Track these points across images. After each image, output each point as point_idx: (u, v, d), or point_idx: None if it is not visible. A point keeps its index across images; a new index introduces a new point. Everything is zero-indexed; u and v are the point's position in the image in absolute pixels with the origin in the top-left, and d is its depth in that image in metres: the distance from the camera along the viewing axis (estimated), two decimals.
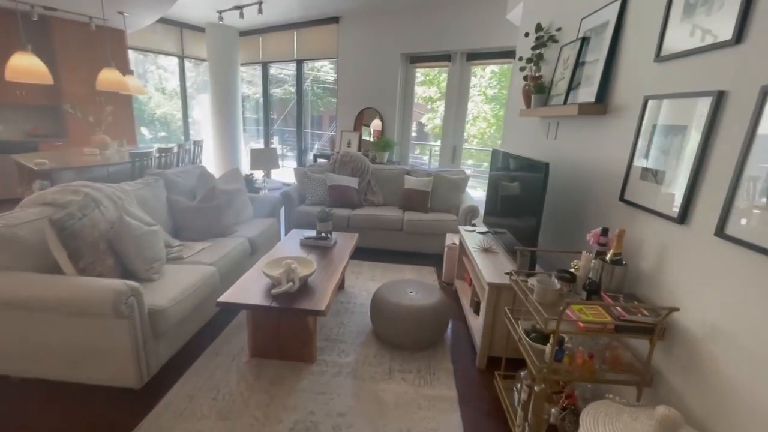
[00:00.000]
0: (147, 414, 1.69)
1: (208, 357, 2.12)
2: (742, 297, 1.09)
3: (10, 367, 1.79)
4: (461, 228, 3.00)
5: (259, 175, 5.31)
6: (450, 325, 2.58)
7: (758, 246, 1.03)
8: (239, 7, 5.29)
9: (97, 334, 1.69)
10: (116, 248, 2.01)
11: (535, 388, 1.63)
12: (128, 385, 1.76)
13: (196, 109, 7.98)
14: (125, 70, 4.75)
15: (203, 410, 1.74)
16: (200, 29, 6.74)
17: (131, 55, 6.04)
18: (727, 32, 1.18)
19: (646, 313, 1.35)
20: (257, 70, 7.47)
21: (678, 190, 1.34)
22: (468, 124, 5.28)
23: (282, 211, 3.86)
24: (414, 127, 5.89)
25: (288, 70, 7.58)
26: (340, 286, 3.05)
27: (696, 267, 1.25)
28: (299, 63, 6.60)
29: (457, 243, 3.16)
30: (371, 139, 5.71)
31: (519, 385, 1.87)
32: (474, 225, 3.68)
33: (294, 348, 2.10)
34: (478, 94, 8.45)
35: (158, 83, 8.08)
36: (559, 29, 2.46)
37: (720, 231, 1.16)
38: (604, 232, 1.62)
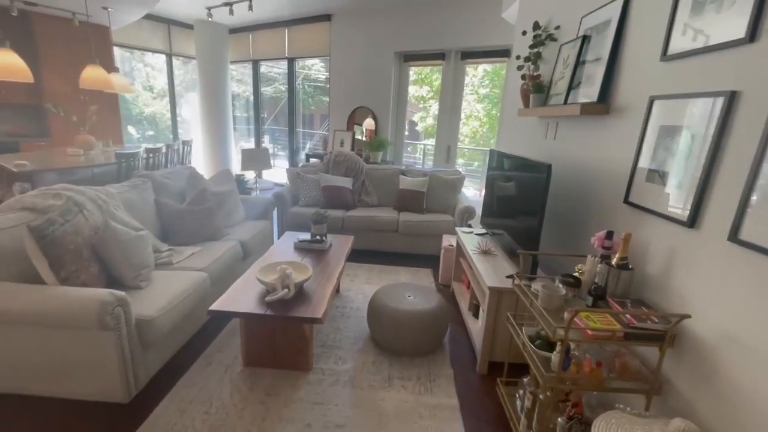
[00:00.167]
0: (135, 430, 1.60)
1: (200, 367, 2.03)
2: (757, 303, 1.05)
3: None
4: (458, 229, 2.95)
5: (250, 175, 5.21)
6: (449, 329, 2.53)
7: None
8: (229, 4, 5.17)
9: (81, 347, 1.60)
10: (101, 255, 1.91)
11: (540, 397, 1.59)
12: (115, 400, 1.68)
13: (185, 108, 7.82)
14: (110, 67, 4.61)
15: (195, 425, 1.66)
16: (188, 26, 6.59)
17: (117, 52, 5.86)
18: (739, 30, 1.15)
19: (656, 320, 1.31)
20: (246, 68, 7.33)
21: (687, 193, 1.31)
22: (460, 123, 5.24)
23: (275, 212, 3.78)
24: (405, 126, 5.83)
25: (278, 69, 7.46)
26: (336, 290, 2.98)
27: (708, 272, 1.22)
28: (290, 61, 6.49)
29: (454, 244, 3.12)
30: (363, 139, 5.64)
31: (521, 392, 1.82)
32: (470, 226, 3.64)
33: (289, 356, 2.03)
34: (471, 93, 8.43)
35: (146, 81, 7.90)
36: (557, 27, 2.42)
37: (734, 236, 1.12)
38: (609, 235, 1.58)
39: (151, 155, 4.03)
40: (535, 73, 2.53)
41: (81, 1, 4.18)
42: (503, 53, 4.43)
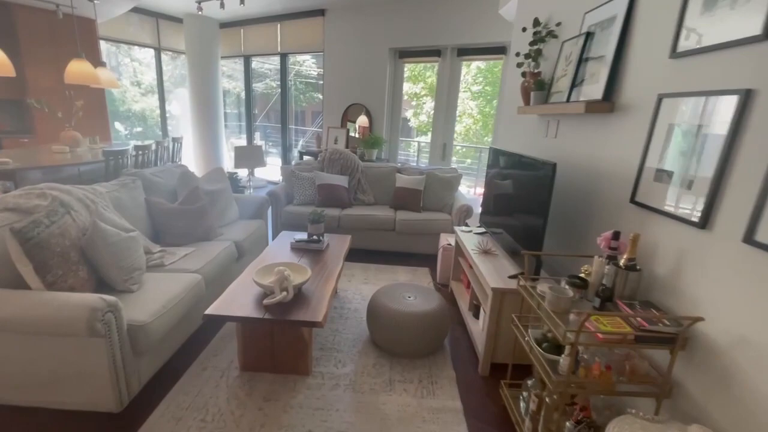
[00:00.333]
0: None
1: (195, 372, 1.97)
2: None
3: None
4: (457, 228, 2.91)
5: (243, 173, 5.11)
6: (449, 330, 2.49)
7: None
8: None
9: (70, 355, 1.53)
10: (90, 258, 1.83)
11: (547, 400, 1.57)
12: (107, 410, 1.60)
13: (174, 104, 7.65)
14: (97, 62, 4.45)
15: None
16: (178, 20, 6.42)
17: (103, 46, 5.69)
18: (755, 27, 1.12)
19: (667, 323, 1.29)
20: (236, 64, 7.19)
21: (699, 193, 1.28)
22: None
23: (269, 211, 3.70)
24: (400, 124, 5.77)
25: (269, 64, 7.34)
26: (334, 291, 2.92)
27: (721, 274, 1.19)
28: (283, 57, 6.38)
29: (453, 243, 3.08)
30: (357, 136, 5.57)
31: (525, 394, 1.80)
32: (467, 224, 3.61)
33: (288, 360, 1.97)
34: (464, 91, 8.40)
35: (133, 77, 7.70)
36: (558, 24, 2.39)
37: (749, 237, 1.10)
38: (616, 235, 1.55)
39: (140, 152, 3.91)
40: (535, 70, 2.49)
41: None
42: (499, 50, 4.39)
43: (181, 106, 7.41)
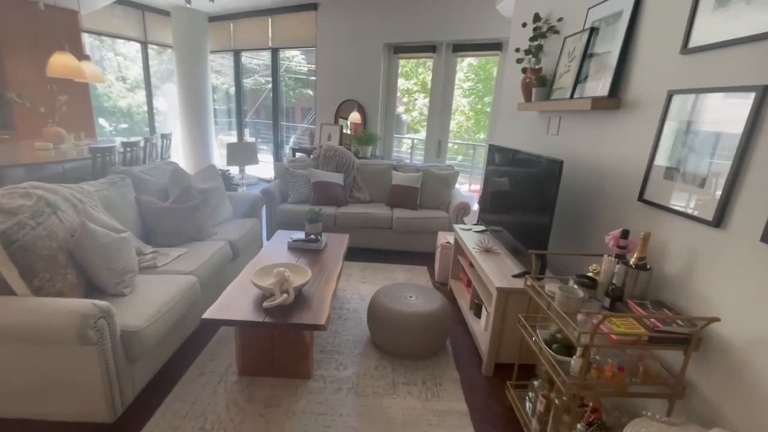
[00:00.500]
0: None
1: (192, 378, 1.90)
2: None
3: None
4: (457, 227, 2.88)
5: (235, 171, 5.00)
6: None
7: None
8: None
9: (60, 364, 1.45)
10: (79, 260, 1.74)
11: (556, 401, 1.54)
12: (100, 420, 1.53)
13: (160, 100, 7.44)
14: (81, 55, 4.28)
15: None
16: (165, 13, 6.24)
17: (85, 40, 5.49)
18: None
19: (681, 323, 1.27)
20: (224, 59, 7.03)
21: (712, 191, 1.26)
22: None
23: (263, 210, 3.62)
24: (395, 121, 5.71)
25: (258, 60, 7.20)
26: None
27: (736, 273, 1.18)
28: (274, 52, 6.25)
29: (452, 242, 3.05)
30: (349, 133, 5.50)
31: (531, 395, 1.78)
32: (464, 222, 3.59)
33: (288, 363, 1.91)
34: (456, 88, 8.37)
35: (117, 71, 7.47)
36: (560, 20, 2.36)
37: (767, 237, 1.08)
38: (624, 234, 1.53)
39: (128, 149, 3.78)
40: (536, 66, 2.46)
41: None
42: (495, 46, 4.36)
43: (168, 101, 7.22)
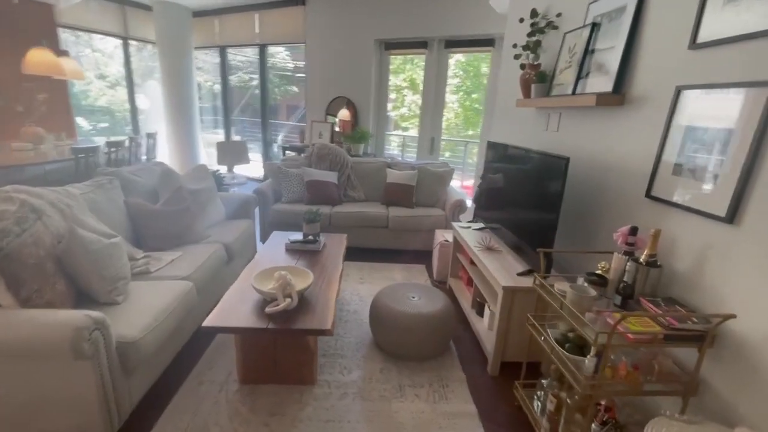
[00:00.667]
0: None
1: (191, 387, 1.82)
2: None
3: None
4: (455, 225, 2.86)
5: (223, 170, 4.87)
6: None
7: None
8: None
9: (53, 380, 1.36)
10: (68, 268, 1.64)
11: (568, 401, 1.53)
12: None
13: (142, 98, 7.20)
14: (58, 51, 4.09)
15: None
16: (146, 7, 6.02)
17: (60, 35, 5.24)
18: None
19: (695, 320, 1.26)
20: (208, 55, 6.84)
21: (725, 187, 1.26)
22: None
23: (256, 210, 3.53)
24: (387, 117, 5.66)
25: (243, 56, 7.03)
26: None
27: (752, 270, 1.17)
28: (262, 48, 6.11)
29: (450, 240, 3.03)
30: (338, 130, 5.41)
31: (540, 394, 1.77)
32: (460, 219, 3.57)
33: (292, 369, 1.86)
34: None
35: (95, 68, 7.19)
36: (558, 15, 2.34)
37: None
38: (633, 231, 1.52)
39: (113, 149, 3.63)
40: (535, 62, 2.45)
41: None
42: (488, 42, 4.34)
43: (150, 99, 6.99)
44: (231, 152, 4.20)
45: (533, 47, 2.47)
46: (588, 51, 1.99)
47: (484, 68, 6.48)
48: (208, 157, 7.02)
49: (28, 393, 1.37)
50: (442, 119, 5.01)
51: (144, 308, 1.69)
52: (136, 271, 2.04)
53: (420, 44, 4.77)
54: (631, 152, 1.71)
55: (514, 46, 2.66)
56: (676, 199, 1.45)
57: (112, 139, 3.79)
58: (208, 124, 7.67)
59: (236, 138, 7.26)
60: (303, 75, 5.86)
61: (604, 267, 1.59)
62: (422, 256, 3.59)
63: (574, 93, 2.04)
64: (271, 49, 6.35)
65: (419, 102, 5.24)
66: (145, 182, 2.64)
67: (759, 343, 1.15)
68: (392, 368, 2.04)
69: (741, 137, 1.21)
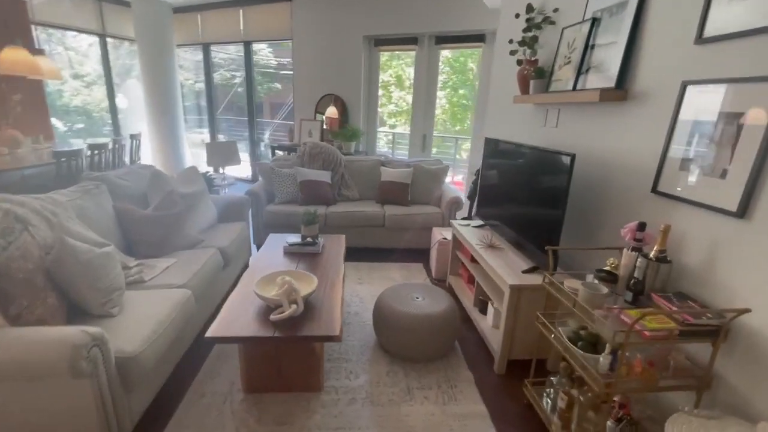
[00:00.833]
0: None
1: (193, 400, 1.76)
2: None
3: None
4: (454, 222, 2.84)
5: (221, 172, 4.74)
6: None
7: None
8: None
9: (50, 400, 1.28)
10: (58, 281, 1.56)
11: (581, 398, 1.53)
12: None
13: (120, 97, 6.94)
14: (34, 49, 3.90)
15: None
16: (125, 3, 5.80)
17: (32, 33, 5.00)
18: None
19: (710, 315, 1.27)
20: (187, 53, 6.64)
21: (735, 182, 1.26)
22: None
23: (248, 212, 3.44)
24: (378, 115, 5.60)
25: (225, 54, 6.87)
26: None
27: (765, 264, 1.18)
28: (247, 45, 5.97)
29: (448, 237, 3.01)
30: (326, 128, 5.33)
31: (549, 391, 1.76)
32: (455, 217, 3.56)
33: (298, 377, 1.81)
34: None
35: (69, 66, 6.89)
36: (555, 10, 2.33)
37: None
38: (641, 227, 1.52)
39: (96, 152, 3.48)
40: (532, 58, 2.44)
41: None
42: (478, 38, 4.33)
43: (128, 99, 6.75)
44: (221, 153, 4.08)
45: (530, 43, 2.46)
46: (588, 46, 1.98)
47: (470, 64, 6.47)
48: (193, 157, 6.83)
49: (22, 415, 1.29)
50: (434, 116, 4.98)
51: (141, 320, 1.62)
52: (130, 281, 1.95)
53: (410, 40, 4.73)
54: (635, 148, 1.71)
55: (510, 41, 2.64)
56: (684, 194, 1.46)
57: (95, 141, 3.63)
58: (191, 123, 7.47)
59: (221, 137, 7.09)
60: (287, 72, 5.75)
61: (612, 263, 1.59)
62: (419, 255, 3.57)
63: (574, 89, 2.03)
64: (254, 47, 6.21)
65: (407, 98, 5.20)
66: (133, 186, 2.53)
67: None
68: (399, 371, 2.01)
69: (751, 132, 1.22)
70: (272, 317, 1.64)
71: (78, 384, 1.27)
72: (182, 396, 1.77)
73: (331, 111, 5.32)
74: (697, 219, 1.42)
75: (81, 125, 7.22)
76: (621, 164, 1.80)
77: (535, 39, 2.45)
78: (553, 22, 2.35)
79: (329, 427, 1.64)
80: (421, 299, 2.19)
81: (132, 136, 4.40)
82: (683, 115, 1.47)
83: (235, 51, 6.54)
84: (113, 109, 6.26)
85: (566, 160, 1.79)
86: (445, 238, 3.04)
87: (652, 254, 1.44)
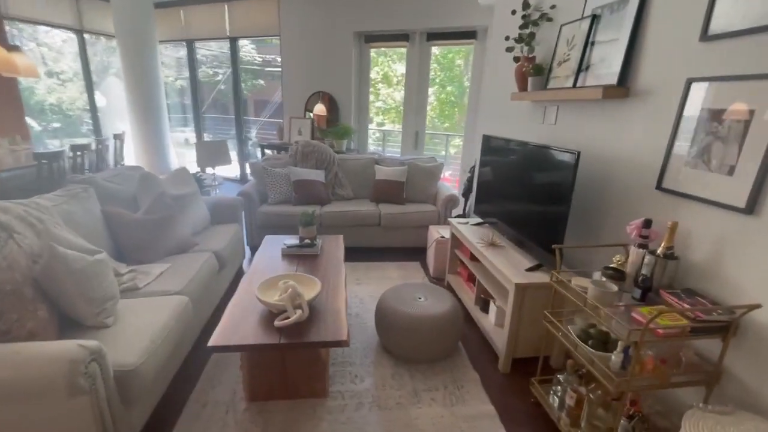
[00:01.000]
0: None
1: (194, 411, 1.69)
2: None
3: None
4: (453, 221, 2.83)
5: (208, 172, 4.61)
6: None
7: None
8: None
9: (44, 421, 1.21)
10: (48, 291, 1.47)
11: (590, 395, 1.53)
12: None
13: (98, 95, 6.68)
14: (8, 45, 3.70)
15: None
16: None
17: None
18: None
19: (720, 312, 1.28)
20: (168, 49, 6.44)
21: (743, 178, 1.27)
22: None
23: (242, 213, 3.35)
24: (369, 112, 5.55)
25: (207, 50, 6.69)
26: None
27: None
28: (233, 41, 5.82)
29: (446, 236, 3.00)
30: (315, 125, 5.25)
31: (557, 389, 1.77)
32: (452, 215, 3.55)
33: (302, 383, 1.76)
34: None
35: (41, 63, 6.59)
36: (553, 7, 2.33)
37: None
38: (647, 223, 1.53)
39: (78, 153, 3.33)
40: (530, 55, 2.43)
41: None
42: (470, 35, 4.32)
43: (108, 97, 6.51)
44: (211, 153, 3.97)
45: (527, 40, 2.45)
46: (588, 43, 1.98)
47: (458, 60, 6.46)
48: (178, 157, 6.65)
49: None
50: (426, 113, 4.96)
51: (139, 329, 1.55)
52: (123, 288, 1.87)
53: (401, 37, 4.68)
54: (638, 145, 1.72)
55: (507, 38, 2.63)
56: (690, 191, 1.47)
57: (73, 141, 3.47)
58: (175, 122, 7.27)
59: (207, 136, 6.91)
60: (272, 69, 5.63)
61: (619, 261, 1.59)
62: (416, 253, 3.55)
63: (574, 86, 2.03)
64: (239, 42, 6.07)
65: (395, 96, 5.16)
66: (122, 189, 2.43)
67: None
68: (404, 373, 1.99)
69: (758, 129, 1.22)
70: (277, 323, 1.59)
71: (75, 402, 1.20)
72: (183, 407, 1.70)
73: (319, 108, 5.23)
74: (703, 215, 1.43)
75: (57, 124, 6.93)
76: (624, 161, 1.80)
77: (532, 36, 2.44)
78: (550, 19, 2.35)
79: None
80: (423, 300, 2.17)
81: (116, 136, 4.23)
82: (688, 112, 1.47)
83: (218, 47, 6.37)
84: (93, 108, 6.03)
85: (571, 157, 1.78)
86: (443, 237, 3.02)
87: (659, 251, 1.45)
